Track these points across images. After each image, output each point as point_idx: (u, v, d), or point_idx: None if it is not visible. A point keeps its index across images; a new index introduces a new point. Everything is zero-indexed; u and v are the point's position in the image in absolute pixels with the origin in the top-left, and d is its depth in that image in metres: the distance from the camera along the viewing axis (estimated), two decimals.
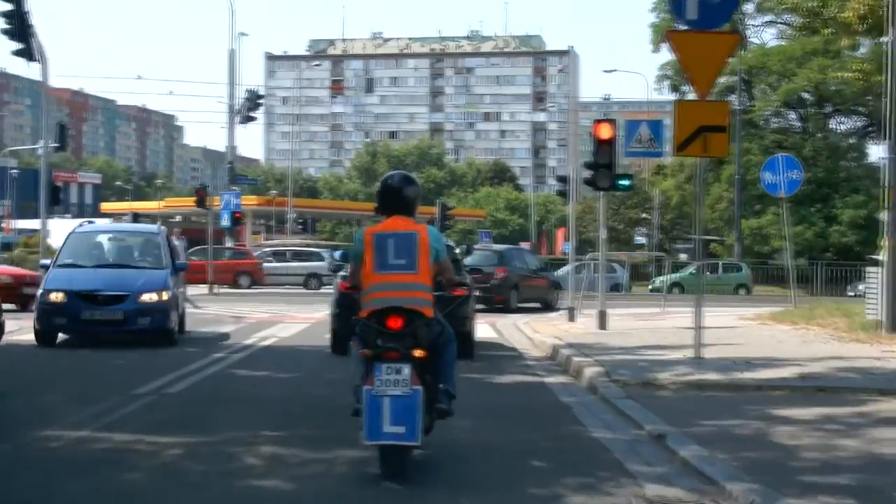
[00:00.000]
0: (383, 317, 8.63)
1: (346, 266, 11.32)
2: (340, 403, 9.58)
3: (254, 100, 53.68)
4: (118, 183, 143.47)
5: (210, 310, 33.13)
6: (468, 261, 28.84)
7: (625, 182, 25.37)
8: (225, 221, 51.40)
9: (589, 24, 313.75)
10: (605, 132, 24.19)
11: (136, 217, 62.09)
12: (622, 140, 26.23)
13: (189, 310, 31.95)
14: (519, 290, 35.63)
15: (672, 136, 17.37)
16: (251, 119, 54.54)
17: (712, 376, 14.76)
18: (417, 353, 8.54)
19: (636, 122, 26.02)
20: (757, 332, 23.78)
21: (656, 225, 69.61)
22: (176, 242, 41.91)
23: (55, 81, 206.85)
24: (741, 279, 58.14)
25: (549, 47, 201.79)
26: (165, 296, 20.05)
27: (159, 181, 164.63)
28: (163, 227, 27.71)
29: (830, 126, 68.23)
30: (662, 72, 68.61)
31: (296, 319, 29.06)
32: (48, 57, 37.17)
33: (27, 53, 34.01)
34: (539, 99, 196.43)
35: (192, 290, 43.34)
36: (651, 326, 25.61)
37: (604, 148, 24.20)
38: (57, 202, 45.41)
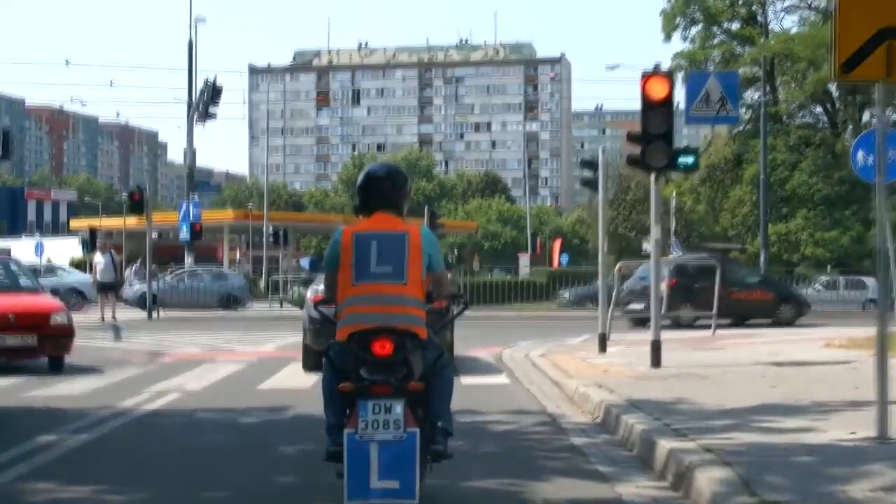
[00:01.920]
0: (367, 339, 6.93)
1: (318, 277, 9.84)
2: None
3: (211, 92, 46.21)
4: (87, 199, 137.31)
5: (135, 340, 26.05)
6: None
7: (688, 159, 17.76)
8: (184, 234, 45.43)
9: (581, 29, 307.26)
10: (657, 89, 16.93)
11: (93, 233, 57.30)
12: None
13: (97, 343, 25.08)
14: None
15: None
16: (211, 116, 47.13)
17: None
18: (412, 386, 6.86)
19: (702, 75, 18.82)
20: None
21: (673, 231, 62.38)
22: (100, 258, 35.48)
23: (31, 98, 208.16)
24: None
25: (541, 55, 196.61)
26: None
27: (122, 195, 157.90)
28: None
29: (864, 119, 61.07)
30: (676, 62, 61.31)
31: (233, 356, 21.87)
32: None
33: None
34: (531, 108, 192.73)
35: (130, 315, 36.39)
36: (723, 361, 18.33)
37: (656, 112, 16.98)
38: None
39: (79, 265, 61.43)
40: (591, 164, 22.66)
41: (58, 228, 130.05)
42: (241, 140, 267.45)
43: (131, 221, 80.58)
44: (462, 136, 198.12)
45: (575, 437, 11.21)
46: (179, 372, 17.83)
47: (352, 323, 7.11)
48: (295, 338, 24.51)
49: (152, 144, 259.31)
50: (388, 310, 7.07)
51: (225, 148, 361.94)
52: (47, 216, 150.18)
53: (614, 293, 24.43)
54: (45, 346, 17.45)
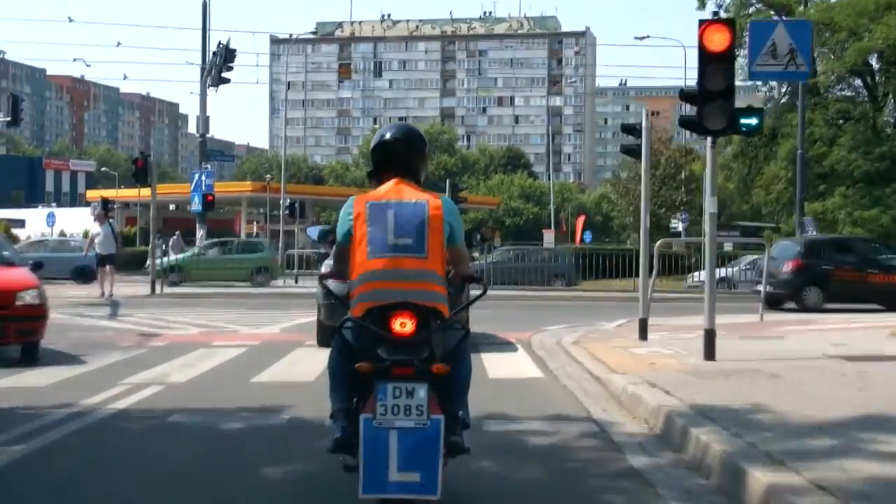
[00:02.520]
0: (385, 317, 6.21)
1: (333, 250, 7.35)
2: None
3: (225, 55, 43.88)
4: (104, 169, 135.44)
5: (130, 319, 23.94)
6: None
7: (751, 121, 15.34)
8: (196, 205, 43.57)
9: (608, 2, 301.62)
10: (717, 40, 14.63)
11: (106, 203, 55.14)
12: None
13: (90, 321, 22.93)
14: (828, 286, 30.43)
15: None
16: (224, 80, 44.79)
17: None
18: (437, 368, 6.13)
19: (767, 24, 16.55)
20: None
21: (707, 209, 59.89)
22: (98, 228, 33.29)
23: (29, 59, 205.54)
24: None
25: (565, 28, 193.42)
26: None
27: (125, 159, 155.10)
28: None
29: None
30: None
31: (233, 339, 19.62)
32: None
33: None
34: (554, 83, 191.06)
35: (129, 290, 34.24)
36: (785, 353, 16.04)
37: (715, 66, 14.68)
38: None
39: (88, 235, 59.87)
40: (633, 130, 20.37)
41: (75, 199, 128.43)
42: (262, 113, 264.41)
43: (147, 193, 79.20)
44: (485, 110, 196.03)
45: (632, 455, 9.01)
46: (168, 358, 15.66)
47: (369, 300, 6.35)
48: (303, 318, 22.41)
49: (173, 115, 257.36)
50: (408, 286, 6.33)
51: (247, 121, 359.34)
52: (65, 187, 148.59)
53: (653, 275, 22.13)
54: (8, 329, 14.66)
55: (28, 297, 14.92)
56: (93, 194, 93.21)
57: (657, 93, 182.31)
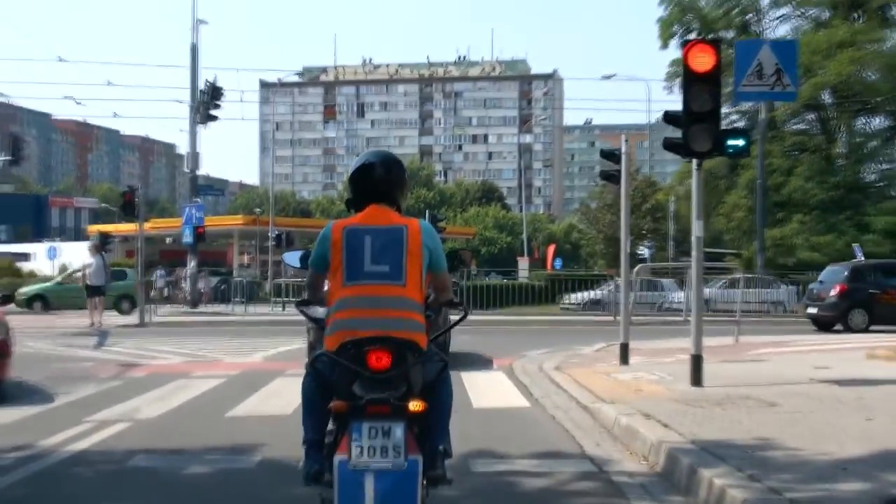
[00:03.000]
0: (360, 351, 5.48)
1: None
2: None
3: (211, 93, 42.44)
4: (104, 205, 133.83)
5: (115, 349, 22.35)
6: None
7: (738, 142, 13.88)
8: (187, 237, 42.36)
9: (574, 46, 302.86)
10: (702, 60, 13.29)
11: (104, 237, 53.66)
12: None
13: (73, 351, 21.36)
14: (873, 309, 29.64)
15: None
16: (212, 118, 43.36)
17: None
18: (414, 405, 5.38)
19: (753, 42, 15.14)
20: None
21: (671, 236, 58.79)
22: (91, 259, 31.60)
23: (58, 111, 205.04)
24: None
25: (535, 71, 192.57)
26: None
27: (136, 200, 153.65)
28: None
29: (856, 127, 57.35)
30: (673, 69, 57.62)
31: (214, 369, 17.78)
32: None
33: None
34: (525, 121, 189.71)
35: (121, 319, 32.62)
36: (771, 377, 14.51)
37: (701, 87, 13.33)
38: None
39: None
40: (612, 156, 18.96)
41: (79, 234, 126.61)
42: (253, 151, 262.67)
43: (146, 226, 77.84)
44: (460, 147, 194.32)
45: (637, 500, 7.55)
46: (143, 391, 14.02)
47: (343, 329, 5.60)
48: (286, 346, 20.91)
49: (170, 155, 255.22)
50: (385, 314, 5.60)
51: (239, 159, 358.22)
52: (70, 222, 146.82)
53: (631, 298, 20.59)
54: None
55: None
56: (94, 228, 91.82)
57: (620, 130, 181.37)
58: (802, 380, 14.20)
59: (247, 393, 13.72)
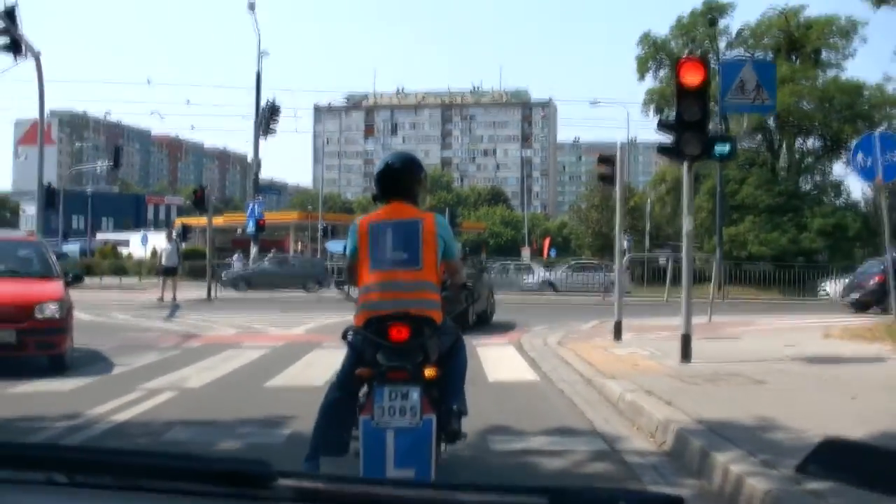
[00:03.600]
0: (384, 325, 5.21)
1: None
2: None
3: (271, 111, 41.11)
4: (188, 202, 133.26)
5: (183, 321, 20.98)
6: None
7: (724, 148, 12.41)
8: (250, 228, 41.41)
9: (566, 79, 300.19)
10: (692, 76, 11.79)
11: (185, 228, 52.74)
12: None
13: (145, 322, 19.96)
14: None
15: None
16: (271, 131, 42.11)
17: None
18: (429, 372, 5.15)
19: (736, 63, 13.74)
20: None
21: (648, 231, 57.35)
22: (167, 244, 30.33)
23: (160, 131, 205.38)
24: None
25: (534, 98, 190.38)
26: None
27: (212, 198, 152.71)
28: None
29: (795, 146, 56.13)
30: (649, 96, 56.17)
31: (261, 339, 16.34)
32: (39, 51, 25.00)
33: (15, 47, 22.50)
34: (526, 139, 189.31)
35: (190, 294, 31.24)
36: (749, 355, 12.94)
37: (691, 99, 11.82)
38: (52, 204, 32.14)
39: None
40: (608, 161, 17.46)
41: (168, 225, 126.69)
42: (308, 161, 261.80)
43: (218, 220, 77.25)
44: (474, 159, 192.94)
45: (651, 482, 6.08)
46: (196, 360, 12.59)
47: (368, 309, 5.28)
48: (328, 319, 19.45)
49: (243, 163, 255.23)
50: (403, 295, 5.25)
51: (297, 167, 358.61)
52: (161, 216, 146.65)
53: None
54: (27, 343, 10.84)
55: (48, 311, 11.10)
56: (179, 221, 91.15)
57: (602, 147, 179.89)
58: (777, 356, 12.69)
59: (287, 363, 12.30)
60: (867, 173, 16.62)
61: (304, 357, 12.99)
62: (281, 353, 13.66)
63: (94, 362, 12.30)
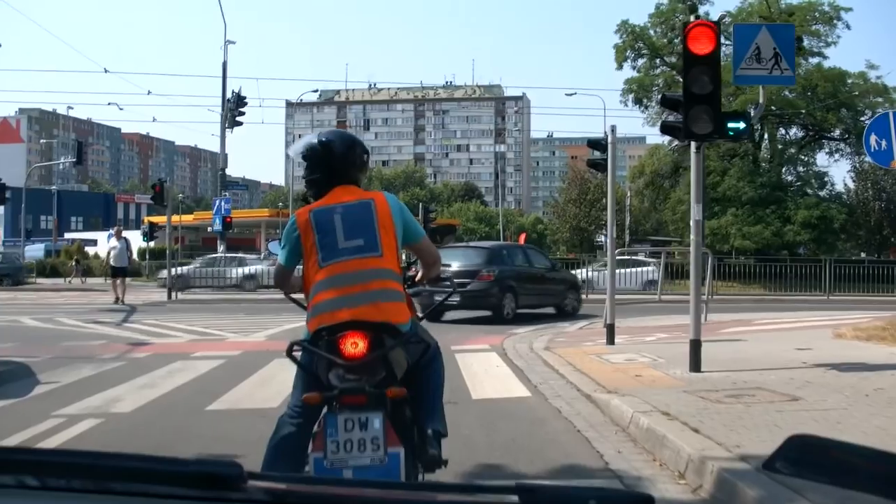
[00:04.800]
0: (336, 335, 4.03)
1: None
2: None
3: (237, 102, 39.37)
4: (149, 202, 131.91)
5: (134, 326, 19.25)
6: None
7: (738, 124, 10.79)
8: (217, 226, 39.77)
9: (539, 72, 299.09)
10: (702, 42, 10.28)
11: (152, 226, 51.33)
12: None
13: (92, 328, 18.24)
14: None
15: None
16: (237, 123, 40.30)
17: None
18: (392, 392, 3.98)
19: (751, 26, 12.14)
20: None
21: (627, 226, 55.91)
22: (115, 243, 28.34)
23: (126, 127, 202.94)
24: None
25: (508, 93, 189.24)
26: None
27: (179, 195, 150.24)
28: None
29: (777, 136, 54.83)
30: (627, 86, 54.65)
31: (216, 348, 14.36)
32: None
33: None
34: (499, 134, 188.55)
35: (146, 296, 29.47)
36: (763, 360, 11.40)
37: (700, 69, 10.32)
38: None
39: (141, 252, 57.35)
40: (598, 145, 15.93)
41: (138, 224, 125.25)
42: (280, 158, 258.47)
43: (188, 218, 75.62)
44: (447, 154, 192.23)
45: None
46: (136, 375, 10.87)
47: (323, 312, 4.09)
48: (292, 324, 17.83)
49: (215, 161, 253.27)
50: (365, 287, 4.10)
51: (269, 164, 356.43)
52: (132, 215, 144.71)
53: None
54: None
55: None
56: (148, 218, 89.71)
57: (576, 142, 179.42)
58: (796, 363, 11.22)
59: (239, 378, 10.59)
60: (882, 157, 15.15)
61: (259, 370, 11.31)
62: (235, 365, 11.98)
63: (15, 379, 10.61)
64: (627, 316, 20.04)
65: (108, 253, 28.87)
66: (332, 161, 4.48)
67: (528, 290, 21.80)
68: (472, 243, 30.14)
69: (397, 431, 3.98)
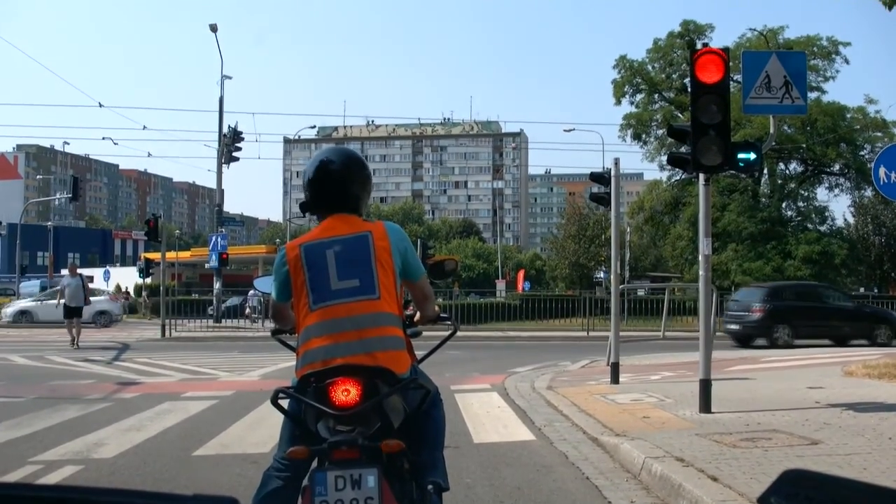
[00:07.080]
0: (325, 382, 3.58)
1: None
2: None
3: (233, 138, 39.10)
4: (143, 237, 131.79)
5: (123, 366, 18.75)
6: None
7: (749, 155, 10.37)
8: (213, 262, 39.44)
9: (537, 109, 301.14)
10: (710, 70, 9.94)
11: (147, 262, 51.24)
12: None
13: (85, 367, 17.72)
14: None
15: None
16: (234, 159, 40.03)
17: None
18: (388, 447, 3.52)
19: (760, 53, 11.79)
20: None
21: (627, 262, 55.53)
22: (69, 280, 24.84)
23: (122, 162, 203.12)
24: None
25: (506, 130, 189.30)
26: None
27: (176, 231, 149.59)
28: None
29: (777, 171, 54.59)
30: (626, 121, 54.53)
31: (208, 388, 13.90)
32: None
33: None
34: (497, 171, 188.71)
35: (140, 333, 28.99)
36: (774, 401, 10.97)
37: (708, 98, 9.96)
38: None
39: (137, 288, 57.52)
40: (601, 178, 15.56)
41: (136, 260, 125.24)
42: (279, 195, 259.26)
43: (186, 254, 75.34)
44: (445, 191, 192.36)
45: None
46: (122, 416, 10.43)
47: (312, 361, 3.68)
48: (287, 363, 17.29)
49: (213, 198, 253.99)
50: (361, 334, 3.66)
51: (267, 201, 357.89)
52: (129, 251, 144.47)
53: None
54: None
55: None
56: (145, 255, 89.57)
57: (574, 178, 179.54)
58: (809, 403, 10.81)
59: (230, 420, 10.14)
60: (891, 189, 14.77)
61: (252, 412, 10.86)
62: (227, 406, 11.52)
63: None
64: (630, 353, 19.61)
65: (61, 290, 25.25)
66: (333, 183, 4.05)
67: (808, 323, 25.82)
68: (753, 284, 35.66)
69: (394, 489, 3.56)
